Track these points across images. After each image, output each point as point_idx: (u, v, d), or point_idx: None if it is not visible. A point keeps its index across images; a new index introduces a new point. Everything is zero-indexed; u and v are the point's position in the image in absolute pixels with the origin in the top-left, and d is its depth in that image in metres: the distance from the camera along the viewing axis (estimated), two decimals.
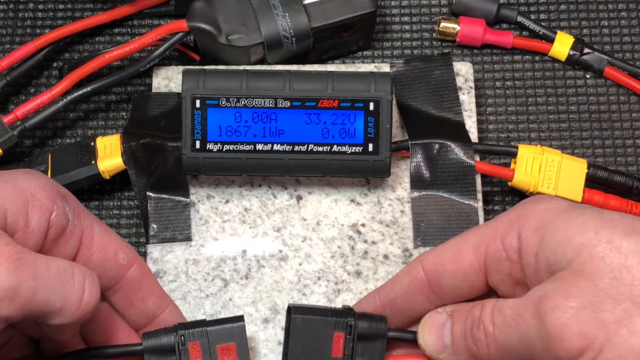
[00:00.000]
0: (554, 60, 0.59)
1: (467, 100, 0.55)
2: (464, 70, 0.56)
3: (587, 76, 0.59)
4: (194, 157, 0.50)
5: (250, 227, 0.52)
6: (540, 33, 0.59)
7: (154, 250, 0.51)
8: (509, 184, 0.53)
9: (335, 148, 0.50)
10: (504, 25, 0.60)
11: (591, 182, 0.53)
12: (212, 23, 0.54)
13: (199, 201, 0.52)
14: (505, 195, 0.56)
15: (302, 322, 0.43)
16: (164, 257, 0.51)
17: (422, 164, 0.53)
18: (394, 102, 0.54)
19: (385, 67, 0.56)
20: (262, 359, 0.49)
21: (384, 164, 0.50)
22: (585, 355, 0.35)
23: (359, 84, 0.50)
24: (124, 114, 0.58)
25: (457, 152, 0.52)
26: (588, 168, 0.53)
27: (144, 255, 0.52)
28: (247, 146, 0.50)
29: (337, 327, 0.43)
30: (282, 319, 0.50)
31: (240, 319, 0.44)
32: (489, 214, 0.55)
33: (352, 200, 0.53)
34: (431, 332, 0.42)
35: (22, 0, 0.60)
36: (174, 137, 0.52)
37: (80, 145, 0.53)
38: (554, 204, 0.40)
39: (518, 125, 0.58)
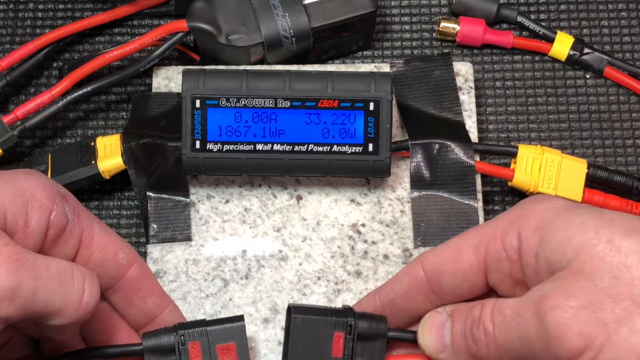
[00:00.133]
0: (554, 60, 0.59)
1: (467, 100, 0.55)
2: (464, 70, 0.56)
3: (587, 76, 0.59)
4: (194, 157, 0.50)
5: (250, 227, 0.52)
6: (540, 33, 0.59)
7: (154, 250, 0.51)
8: (509, 184, 0.53)
9: (335, 148, 0.50)
10: (504, 25, 0.60)
11: (591, 182, 0.53)
12: (212, 23, 0.54)
13: (199, 201, 0.52)
14: (505, 195, 0.56)
15: (302, 322, 0.43)
16: (164, 257, 0.51)
17: (422, 164, 0.53)
18: (394, 102, 0.54)
19: (385, 67, 0.56)
20: (262, 359, 0.49)
21: (384, 164, 0.50)
22: (586, 354, 0.35)
23: (359, 84, 0.50)
24: (124, 114, 0.58)
25: (457, 152, 0.52)
26: (588, 168, 0.53)
27: (144, 255, 0.52)
28: (247, 146, 0.50)
29: (337, 327, 0.43)
30: (282, 319, 0.50)
31: (240, 318, 0.44)
32: (489, 214, 0.55)
33: (352, 200, 0.53)
34: (431, 331, 0.42)
35: (22, 0, 0.60)
36: (174, 137, 0.52)
37: (80, 145, 0.53)
38: (554, 203, 0.40)
39: (518, 125, 0.58)
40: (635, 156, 0.57)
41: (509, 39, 0.58)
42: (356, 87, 0.50)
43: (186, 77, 0.50)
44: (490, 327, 0.39)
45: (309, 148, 0.50)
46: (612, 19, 0.60)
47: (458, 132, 0.53)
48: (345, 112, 0.50)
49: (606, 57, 0.58)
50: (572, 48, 0.58)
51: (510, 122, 0.58)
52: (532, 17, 0.60)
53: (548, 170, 0.52)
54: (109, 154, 0.52)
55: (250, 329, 0.49)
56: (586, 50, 0.58)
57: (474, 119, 0.55)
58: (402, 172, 0.53)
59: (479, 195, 0.52)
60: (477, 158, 0.53)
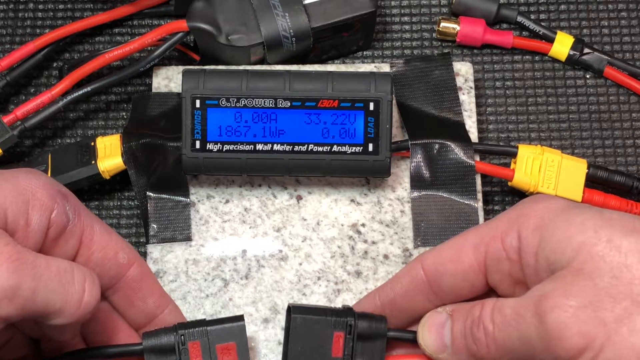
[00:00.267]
0: (554, 60, 0.59)
1: (467, 100, 0.55)
2: (464, 70, 0.56)
3: (587, 76, 0.59)
4: (194, 157, 0.50)
5: (250, 227, 0.52)
6: (540, 33, 0.59)
7: (154, 250, 0.51)
8: (509, 184, 0.53)
9: (335, 148, 0.50)
10: (504, 25, 0.60)
11: (591, 182, 0.53)
12: (212, 23, 0.54)
13: (199, 201, 0.52)
14: (505, 195, 0.56)
15: (302, 322, 0.43)
16: (164, 257, 0.51)
17: (422, 164, 0.53)
18: (394, 102, 0.54)
19: (385, 67, 0.56)
20: (262, 359, 0.49)
21: (384, 164, 0.50)
22: (586, 354, 0.35)
23: (359, 84, 0.50)
24: (124, 114, 0.58)
25: (457, 152, 0.52)
26: (588, 168, 0.53)
27: (144, 255, 0.52)
28: (247, 146, 0.50)
29: (337, 326, 0.43)
30: (282, 319, 0.50)
31: (240, 318, 0.44)
32: (489, 214, 0.55)
33: (352, 200, 0.53)
34: (431, 331, 0.42)
35: (22, 0, 0.60)
36: (174, 137, 0.52)
37: (80, 145, 0.53)
38: (554, 203, 0.40)
39: (518, 125, 0.58)
40: (635, 156, 0.57)
41: (509, 39, 0.58)
42: (356, 87, 0.50)
43: (186, 77, 0.50)
44: (490, 327, 0.39)
45: (309, 148, 0.50)
46: (612, 19, 0.60)
47: (458, 132, 0.53)
48: (345, 112, 0.50)
49: (606, 57, 0.58)
50: (572, 48, 0.58)
51: (510, 122, 0.58)
52: (532, 17, 0.60)
53: (548, 170, 0.52)
54: (109, 154, 0.52)
55: (250, 329, 0.49)
56: (586, 50, 0.58)
57: (474, 119, 0.55)
58: (402, 172, 0.53)
59: (479, 195, 0.52)
60: (477, 158, 0.53)
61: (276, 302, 0.50)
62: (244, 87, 0.50)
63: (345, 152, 0.50)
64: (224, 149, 0.50)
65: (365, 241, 0.52)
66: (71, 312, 0.38)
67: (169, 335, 0.43)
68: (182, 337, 0.43)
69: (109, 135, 0.54)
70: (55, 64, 0.59)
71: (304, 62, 0.57)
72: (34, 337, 0.43)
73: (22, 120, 0.54)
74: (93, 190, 0.55)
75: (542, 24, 0.59)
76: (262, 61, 0.56)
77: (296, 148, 0.50)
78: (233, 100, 0.50)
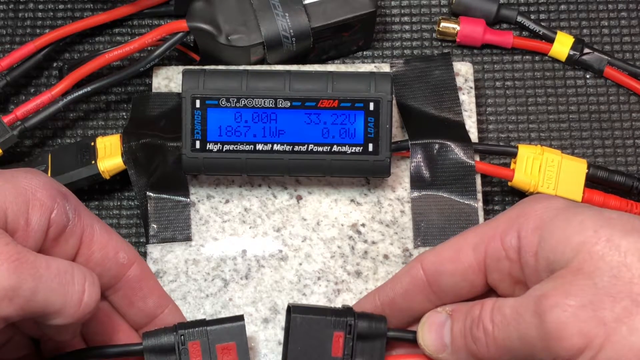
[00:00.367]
0: (554, 60, 0.59)
1: (467, 100, 0.55)
2: (464, 70, 0.56)
3: (587, 76, 0.59)
4: (194, 157, 0.50)
5: (250, 227, 0.52)
6: (540, 33, 0.59)
7: (154, 250, 0.51)
8: (509, 184, 0.53)
9: (335, 148, 0.50)
10: (504, 25, 0.60)
11: (591, 182, 0.53)
12: (212, 23, 0.54)
13: (199, 201, 0.52)
14: (505, 195, 0.56)
15: (302, 322, 0.43)
16: (164, 257, 0.51)
17: (422, 164, 0.53)
18: (394, 102, 0.54)
19: (385, 67, 0.56)
20: (262, 359, 0.49)
21: (384, 164, 0.50)
22: (585, 353, 0.35)
23: (359, 84, 0.50)
24: (124, 114, 0.58)
25: (457, 152, 0.52)
26: (588, 168, 0.53)
27: (144, 255, 0.52)
28: (247, 146, 0.50)
29: (337, 326, 0.43)
30: (282, 319, 0.50)
31: (240, 318, 0.44)
32: (489, 214, 0.55)
33: (352, 200, 0.53)
34: (431, 331, 0.42)
35: (22, 0, 0.60)
36: (174, 137, 0.52)
37: (80, 145, 0.53)
38: (553, 203, 0.40)
39: (518, 125, 0.58)
40: (635, 156, 0.57)
41: (509, 39, 0.58)
42: (356, 87, 0.50)
43: (186, 77, 0.50)
44: (489, 327, 0.39)
45: (309, 148, 0.50)
46: (612, 19, 0.60)
47: (458, 132, 0.53)
48: (345, 112, 0.50)
49: (606, 57, 0.58)
50: (572, 48, 0.58)
51: (510, 122, 0.58)
52: (532, 17, 0.60)
53: (548, 170, 0.52)
54: (109, 154, 0.52)
55: (250, 329, 0.49)
56: (586, 50, 0.58)
57: (474, 119, 0.55)
58: (402, 172, 0.53)
59: (479, 195, 0.52)
60: (477, 158, 0.53)
61: (276, 302, 0.50)
62: (244, 87, 0.50)
63: (345, 152, 0.50)
64: (224, 149, 0.50)
65: (365, 241, 0.52)
66: (71, 312, 0.38)
67: (169, 335, 0.43)
68: (182, 337, 0.43)
69: (109, 135, 0.54)
70: (55, 64, 0.59)
71: (304, 62, 0.57)
72: (34, 337, 0.43)
73: (22, 120, 0.54)
74: (93, 190, 0.55)
75: (542, 24, 0.59)
76: (262, 61, 0.56)
77: (296, 148, 0.50)
78: (233, 100, 0.50)
